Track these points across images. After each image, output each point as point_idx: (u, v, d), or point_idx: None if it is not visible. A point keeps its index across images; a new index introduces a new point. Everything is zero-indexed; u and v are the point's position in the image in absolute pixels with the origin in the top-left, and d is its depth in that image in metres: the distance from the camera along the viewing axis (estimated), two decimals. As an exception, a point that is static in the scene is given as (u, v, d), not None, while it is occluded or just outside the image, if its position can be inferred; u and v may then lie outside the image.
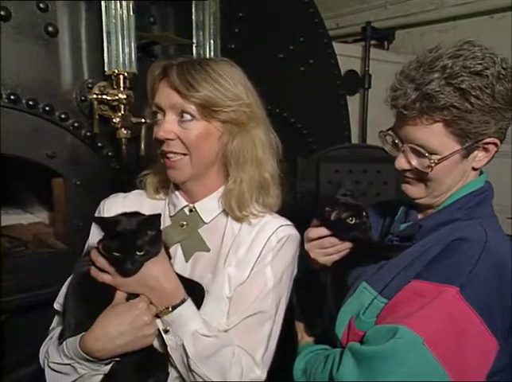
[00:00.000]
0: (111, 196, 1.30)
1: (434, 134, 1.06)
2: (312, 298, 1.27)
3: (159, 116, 1.15)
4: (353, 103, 3.26)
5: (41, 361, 1.14)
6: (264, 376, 1.11)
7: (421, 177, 1.12)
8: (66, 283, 1.20)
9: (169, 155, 1.14)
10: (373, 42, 3.56)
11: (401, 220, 1.23)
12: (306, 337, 1.31)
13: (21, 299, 1.72)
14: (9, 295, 1.68)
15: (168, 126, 1.12)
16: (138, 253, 1.03)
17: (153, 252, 1.06)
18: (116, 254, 1.03)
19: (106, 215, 1.22)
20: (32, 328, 1.48)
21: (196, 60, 1.17)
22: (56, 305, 1.22)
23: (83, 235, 1.29)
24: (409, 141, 1.10)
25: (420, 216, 1.21)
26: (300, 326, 1.34)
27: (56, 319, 1.24)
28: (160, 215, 1.08)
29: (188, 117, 1.11)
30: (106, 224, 1.07)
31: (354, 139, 3.15)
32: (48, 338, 1.18)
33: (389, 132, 1.16)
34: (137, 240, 1.03)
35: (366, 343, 1.02)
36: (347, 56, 3.26)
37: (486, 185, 1.16)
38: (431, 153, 1.07)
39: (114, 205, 1.24)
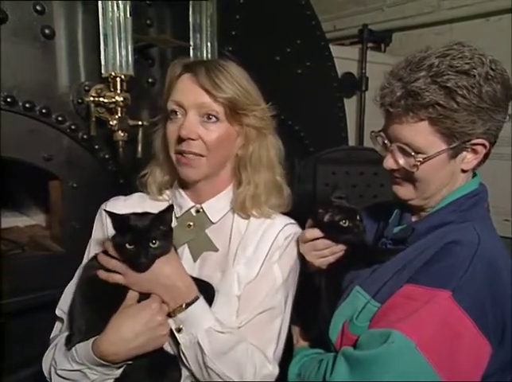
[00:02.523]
0: (112, 199, 1.29)
1: (419, 133, 1.06)
2: (307, 301, 1.26)
3: (178, 114, 1.14)
4: (350, 105, 3.26)
5: (46, 370, 1.12)
6: (276, 371, 1.12)
7: (409, 177, 1.12)
8: (68, 289, 1.20)
9: (187, 155, 1.14)
10: (370, 45, 3.56)
11: (395, 223, 1.23)
12: (301, 340, 1.31)
13: (18, 302, 1.71)
14: (6, 298, 1.68)
15: (192, 125, 1.11)
16: (152, 245, 1.03)
17: (166, 247, 1.07)
18: (129, 247, 1.03)
19: (107, 218, 1.21)
20: (30, 330, 1.48)
21: (214, 61, 1.20)
22: (58, 312, 1.21)
23: (79, 238, 1.29)
24: (396, 140, 1.10)
25: (414, 219, 1.21)
26: (295, 330, 1.33)
27: (57, 326, 1.23)
28: (172, 206, 1.09)
29: (212, 118, 1.12)
30: (118, 218, 1.06)
31: (351, 141, 3.16)
32: (51, 346, 1.16)
33: (381, 133, 1.16)
34: (150, 232, 1.04)
35: (359, 347, 1.02)
36: (344, 59, 3.27)
37: (479, 187, 1.15)
38: (417, 153, 1.07)
39: (115, 208, 1.20)
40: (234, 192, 1.22)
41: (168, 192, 1.28)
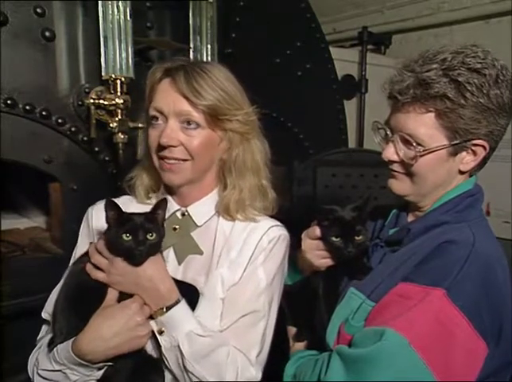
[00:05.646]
0: (98, 202, 1.26)
1: (424, 124, 1.06)
2: (304, 305, 1.26)
3: (159, 120, 1.13)
4: (350, 107, 3.27)
5: (30, 370, 1.13)
6: (259, 375, 1.11)
7: (406, 170, 1.12)
8: (54, 292, 1.19)
9: (170, 161, 1.13)
10: (369, 47, 3.57)
11: (391, 225, 1.23)
12: (298, 343, 1.30)
13: (18, 304, 1.71)
14: (6, 300, 1.68)
15: (172, 132, 1.10)
16: (149, 237, 1.04)
17: (159, 243, 1.08)
18: (126, 238, 1.03)
19: (94, 222, 1.22)
20: (30, 332, 1.48)
21: (196, 64, 1.17)
22: (44, 315, 1.20)
23: (79, 240, 1.29)
24: (400, 130, 1.10)
25: (409, 220, 1.20)
26: (292, 332, 1.32)
27: (44, 328, 1.23)
28: (165, 199, 1.10)
29: (193, 125, 1.11)
30: (117, 209, 1.06)
31: (351, 143, 3.16)
32: (36, 348, 1.16)
33: (383, 125, 1.16)
34: (147, 225, 1.05)
35: (353, 346, 1.02)
36: (344, 61, 3.28)
37: (475, 188, 1.15)
38: (418, 144, 1.07)
39: (101, 211, 1.14)
40: (219, 195, 1.21)
41: (154, 195, 1.27)
